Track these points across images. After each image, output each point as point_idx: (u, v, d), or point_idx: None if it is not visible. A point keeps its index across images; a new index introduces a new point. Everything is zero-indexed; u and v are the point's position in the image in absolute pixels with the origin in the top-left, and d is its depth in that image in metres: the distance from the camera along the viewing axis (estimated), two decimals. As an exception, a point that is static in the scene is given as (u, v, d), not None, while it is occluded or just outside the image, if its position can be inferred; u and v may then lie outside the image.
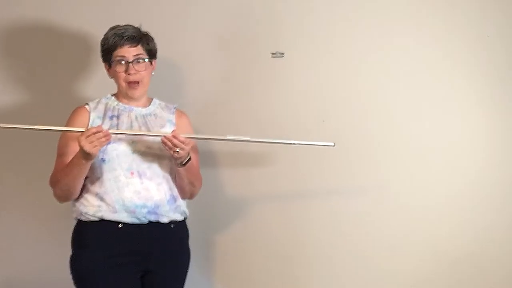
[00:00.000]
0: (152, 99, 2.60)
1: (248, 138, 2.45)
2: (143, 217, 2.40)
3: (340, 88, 2.84)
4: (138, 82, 2.49)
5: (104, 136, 2.30)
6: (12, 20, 3.06)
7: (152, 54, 2.55)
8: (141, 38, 2.51)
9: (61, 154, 2.46)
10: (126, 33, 2.48)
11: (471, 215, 2.75)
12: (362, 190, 2.82)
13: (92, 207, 2.41)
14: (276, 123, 2.87)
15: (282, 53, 2.87)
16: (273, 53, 2.88)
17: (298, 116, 2.86)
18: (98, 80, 2.87)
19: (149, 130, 2.47)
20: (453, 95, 2.76)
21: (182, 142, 2.34)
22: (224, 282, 2.94)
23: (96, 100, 2.54)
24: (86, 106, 2.51)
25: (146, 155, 2.43)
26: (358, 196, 2.82)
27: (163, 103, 2.61)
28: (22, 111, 3.02)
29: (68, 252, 2.44)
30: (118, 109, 2.51)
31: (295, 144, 2.44)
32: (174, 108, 2.61)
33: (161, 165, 2.45)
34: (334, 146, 2.49)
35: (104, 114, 2.49)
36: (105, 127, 2.39)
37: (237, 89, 2.92)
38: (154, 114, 2.54)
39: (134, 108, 2.52)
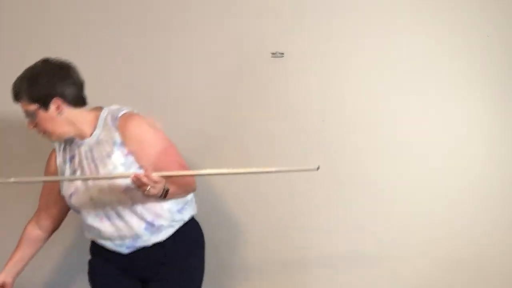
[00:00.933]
0: (101, 111, 2.38)
1: (225, 171, 2.34)
2: (125, 250, 2.40)
3: (340, 88, 2.83)
4: (45, 133, 2.34)
5: None
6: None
7: (41, 99, 2.28)
8: (19, 92, 2.30)
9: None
10: (12, 91, 2.33)
11: (472, 216, 2.74)
12: (362, 190, 2.81)
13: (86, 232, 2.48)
14: (276, 123, 2.87)
15: (282, 53, 2.86)
16: (273, 53, 2.87)
17: (298, 116, 2.86)
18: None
19: (97, 167, 2.33)
20: (453, 95, 2.76)
21: (155, 182, 2.15)
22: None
23: (59, 146, 2.45)
24: (54, 155, 2.47)
25: (102, 199, 2.34)
26: (358, 196, 2.82)
27: (110, 114, 2.36)
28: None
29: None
30: (73, 147, 2.40)
31: (275, 172, 2.23)
32: (117, 118, 2.34)
33: (121, 202, 2.33)
34: (318, 169, 2.20)
35: (65, 157, 2.43)
36: (67, 173, 2.40)
37: (237, 89, 2.91)
38: (100, 141, 2.34)
39: (82, 141, 2.37)
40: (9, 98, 2.36)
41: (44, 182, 2.50)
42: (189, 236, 2.49)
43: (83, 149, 2.36)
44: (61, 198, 2.47)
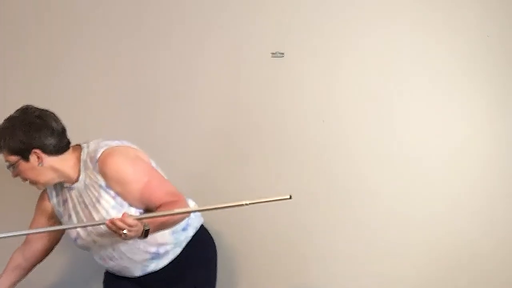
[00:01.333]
0: (81, 152, 2.33)
1: (194, 208, 2.33)
2: (135, 275, 2.42)
3: (340, 88, 2.83)
4: (27, 181, 2.33)
5: None
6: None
7: (20, 151, 2.26)
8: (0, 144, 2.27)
9: None
10: None
11: (472, 216, 2.73)
12: (362, 190, 2.81)
13: None
14: (276, 123, 2.87)
15: (282, 53, 2.86)
16: (273, 53, 2.87)
17: (298, 116, 2.85)
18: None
19: (91, 213, 2.30)
20: (453, 95, 2.75)
21: (130, 225, 2.09)
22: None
23: (49, 191, 2.44)
24: (47, 195, 2.45)
25: (104, 242, 2.32)
26: (358, 196, 2.81)
27: (88, 157, 2.31)
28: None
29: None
30: (64, 191, 2.38)
31: (247, 204, 2.11)
32: (96, 161, 2.28)
33: (122, 242, 2.30)
34: (290, 198, 2.14)
35: (59, 200, 2.42)
36: (65, 217, 2.39)
37: (237, 89, 2.91)
38: (86, 186, 2.31)
39: (72, 186, 2.34)
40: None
41: (34, 217, 2.48)
42: (198, 248, 2.48)
43: (74, 194, 2.34)
44: (48, 236, 2.48)
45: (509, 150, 2.72)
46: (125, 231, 2.08)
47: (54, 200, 2.42)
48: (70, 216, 2.36)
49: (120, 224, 2.07)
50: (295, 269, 2.88)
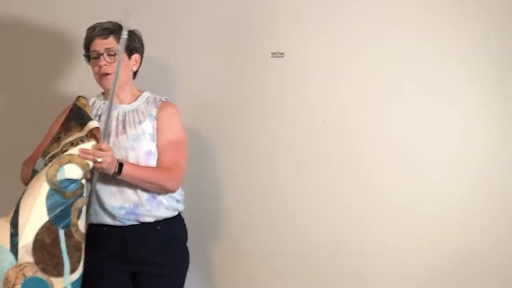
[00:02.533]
0: (143, 92, 2.54)
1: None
2: (122, 218, 2.38)
3: (340, 88, 2.83)
4: (109, 74, 2.42)
5: None
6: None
7: (132, 47, 2.47)
8: (115, 30, 2.43)
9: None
10: (99, 27, 2.44)
11: (472, 217, 2.74)
12: (363, 190, 2.81)
13: None
14: (276, 123, 2.87)
15: (282, 53, 2.87)
16: (273, 53, 2.88)
17: (298, 116, 2.86)
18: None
19: (124, 128, 2.42)
20: (453, 95, 2.76)
21: (101, 150, 2.24)
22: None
23: (90, 99, 2.51)
24: None
25: (117, 155, 2.35)
26: (359, 196, 2.81)
27: (153, 96, 2.53)
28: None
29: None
30: (102, 108, 2.48)
31: None
32: (161, 100, 2.51)
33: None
34: None
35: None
36: None
37: (237, 89, 2.91)
38: (136, 110, 2.47)
39: (118, 105, 2.46)
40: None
41: (50, 129, 2.50)
42: (179, 228, 2.52)
43: (116, 112, 2.45)
44: None
45: (509, 150, 2.72)
46: (99, 159, 2.24)
47: None
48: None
49: (92, 151, 2.24)
50: (293, 269, 2.87)
